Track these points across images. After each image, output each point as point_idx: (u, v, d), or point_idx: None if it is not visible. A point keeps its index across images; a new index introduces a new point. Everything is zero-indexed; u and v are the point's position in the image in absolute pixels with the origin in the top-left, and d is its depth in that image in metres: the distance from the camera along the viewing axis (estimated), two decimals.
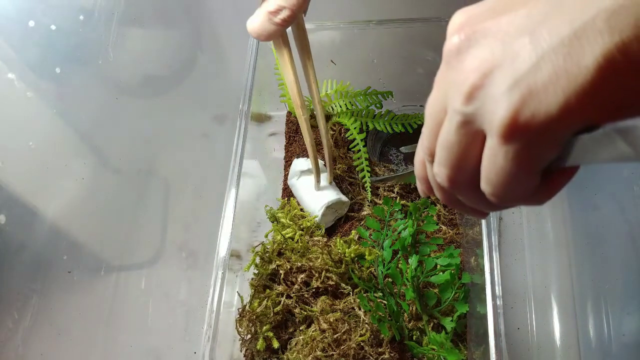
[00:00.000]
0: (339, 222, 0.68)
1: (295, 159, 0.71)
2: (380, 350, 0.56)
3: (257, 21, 0.48)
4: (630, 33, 0.19)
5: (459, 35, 0.25)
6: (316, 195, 0.66)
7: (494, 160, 0.25)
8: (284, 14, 0.47)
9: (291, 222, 0.64)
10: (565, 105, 0.21)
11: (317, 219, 0.65)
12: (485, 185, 0.26)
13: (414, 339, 0.57)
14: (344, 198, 0.66)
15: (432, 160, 0.29)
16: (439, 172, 0.28)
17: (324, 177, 0.68)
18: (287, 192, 0.72)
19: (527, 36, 0.22)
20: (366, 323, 0.56)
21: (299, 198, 0.68)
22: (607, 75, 0.20)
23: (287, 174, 0.73)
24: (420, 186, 0.34)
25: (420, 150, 0.31)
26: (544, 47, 0.21)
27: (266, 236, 0.65)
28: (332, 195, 0.65)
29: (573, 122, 0.21)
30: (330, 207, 0.66)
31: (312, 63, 0.55)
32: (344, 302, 0.59)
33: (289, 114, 0.78)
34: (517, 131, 0.22)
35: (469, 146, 0.26)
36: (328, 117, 0.75)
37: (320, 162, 0.69)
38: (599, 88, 0.20)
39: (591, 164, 0.23)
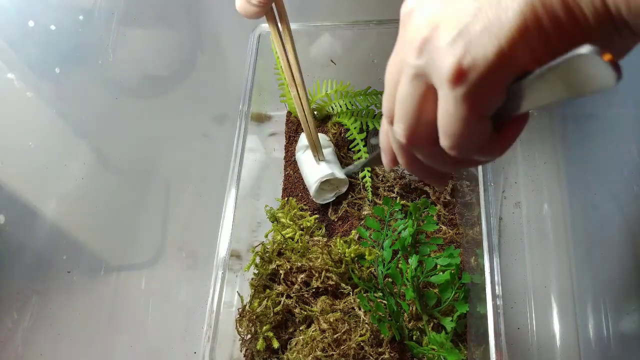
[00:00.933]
0: (339, 222, 0.68)
1: (303, 133, 0.72)
2: (380, 350, 0.56)
3: (238, 2, 0.51)
4: None
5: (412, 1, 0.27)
6: (313, 171, 0.67)
7: (444, 106, 0.27)
8: None
9: (291, 222, 0.65)
10: (499, 50, 0.23)
11: (312, 194, 0.66)
12: (442, 138, 0.28)
13: (414, 339, 0.57)
14: (339, 175, 0.66)
15: (392, 122, 0.31)
16: (397, 129, 0.30)
17: (329, 152, 0.69)
18: (287, 192, 0.72)
19: None
20: (366, 323, 0.56)
21: (302, 172, 0.70)
22: (530, 22, 0.22)
23: (288, 173, 0.74)
24: (385, 159, 0.35)
25: (384, 118, 0.33)
26: (480, 0, 0.24)
27: (266, 236, 0.65)
28: (325, 170, 0.66)
29: (509, 65, 0.24)
30: (326, 183, 0.67)
31: (290, 39, 0.57)
32: (344, 302, 0.59)
33: (289, 114, 0.78)
34: (461, 76, 0.24)
35: (423, 98, 0.28)
36: (328, 117, 0.75)
37: (325, 137, 0.70)
38: (525, 33, 0.23)
39: (538, 108, 0.26)
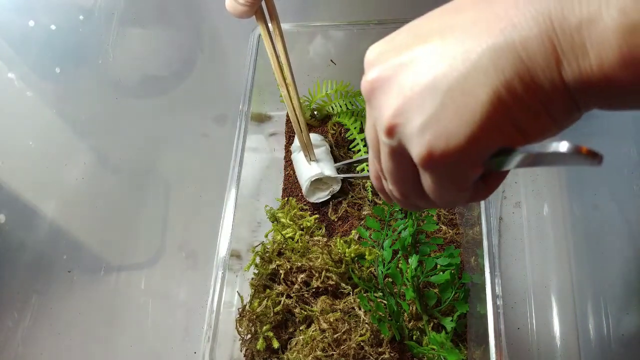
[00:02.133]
0: (339, 222, 0.68)
1: None
2: (380, 350, 0.56)
3: (227, 1, 0.51)
4: (512, 71, 0.22)
5: (371, 75, 0.27)
6: (305, 170, 0.67)
7: (425, 181, 0.28)
8: None
9: (291, 222, 0.65)
10: (470, 135, 0.24)
11: (304, 192, 0.67)
12: (430, 196, 0.30)
13: (414, 339, 0.57)
14: (330, 173, 0.66)
15: (385, 177, 0.32)
16: (392, 190, 0.32)
17: (322, 151, 0.69)
18: (287, 192, 0.72)
19: (431, 73, 0.24)
20: (366, 323, 0.56)
21: (296, 172, 0.70)
22: (498, 107, 0.23)
23: (288, 173, 0.74)
24: (383, 196, 0.37)
25: (372, 168, 0.34)
26: (444, 88, 0.24)
27: (266, 236, 0.65)
28: (315, 170, 0.66)
29: (482, 148, 0.24)
30: (319, 182, 0.67)
31: (281, 39, 0.57)
32: (344, 302, 0.59)
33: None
34: (434, 163, 0.25)
35: (405, 167, 0.29)
36: (328, 118, 0.75)
37: (318, 137, 0.70)
38: (493, 118, 0.23)
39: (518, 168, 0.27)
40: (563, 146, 0.21)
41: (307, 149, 0.65)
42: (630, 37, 0.20)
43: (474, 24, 0.24)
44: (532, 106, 0.23)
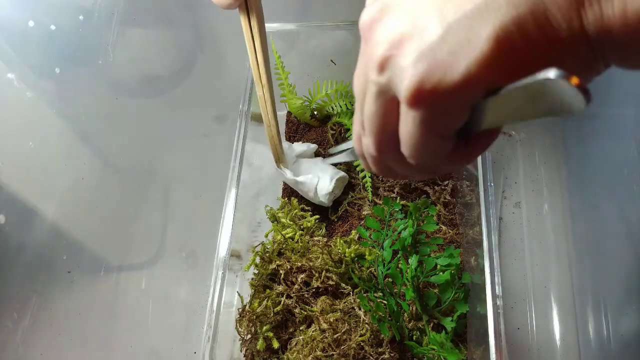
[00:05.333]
0: (339, 222, 0.68)
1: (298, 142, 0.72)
2: (380, 350, 0.56)
3: None
4: (526, 7, 0.21)
5: (372, 9, 0.26)
6: (324, 172, 0.67)
7: (405, 124, 0.26)
8: None
9: (291, 222, 0.64)
10: (467, 72, 0.22)
11: (323, 197, 0.66)
12: (403, 149, 0.28)
13: (414, 339, 0.57)
14: (303, 179, 0.66)
15: (364, 129, 0.31)
16: (367, 141, 0.30)
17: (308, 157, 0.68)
18: (287, 192, 0.72)
19: (434, 10, 0.23)
20: (366, 323, 0.56)
21: (302, 179, 0.69)
22: (503, 45, 0.21)
23: None
24: (362, 161, 0.35)
25: (356, 125, 0.32)
26: (449, 20, 0.23)
27: (266, 236, 0.65)
28: (333, 170, 0.66)
29: (475, 88, 0.23)
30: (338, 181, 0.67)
31: (260, 36, 0.54)
32: (344, 302, 0.59)
33: (289, 114, 0.78)
34: (422, 98, 0.24)
35: (387, 113, 0.27)
36: (328, 118, 0.75)
37: (302, 146, 0.69)
38: (497, 56, 0.22)
39: (503, 124, 0.24)
40: (553, 72, 0.19)
41: (278, 154, 0.63)
42: None
43: None
44: (543, 50, 0.21)
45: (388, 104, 0.27)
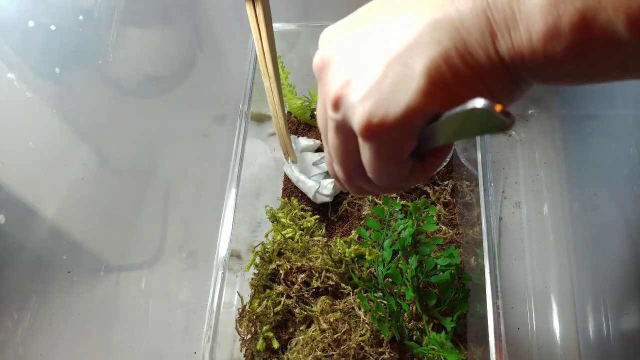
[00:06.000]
0: (339, 222, 0.68)
1: (299, 138, 0.72)
2: (380, 350, 0.55)
3: None
4: (450, 42, 0.23)
5: (321, 54, 0.29)
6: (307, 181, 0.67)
7: (364, 153, 0.29)
8: None
9: (291, 222, 0.64)
10: (407, 105, 0.25)
11: (328, 194, 0.66)
12: (369, 174, 0.31)
13: (414, 339, 0.57)
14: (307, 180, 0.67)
15: (332, 158, 0.34)
16: (337, 170, 0.34)
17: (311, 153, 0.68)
18: (287, 192, 0.72)
19: (374, 48, 0.26)
20: (366, 323, 0.56)
21: (303, 176, 0.69)
22: (435, 77, 0.24)
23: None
24: (337, 182, 0.38)
25: (326, 153, 0.35)
26: (387, 58, 0.25)
27: (266, 236, 0.65)
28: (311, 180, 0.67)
29: (417, 117, 0.25)
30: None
31: (266, 24, 0.53)
32: (344, 302, 0.58)
33: (289, 113, 0.78)
34: (372, 131, 0.26)
35: (348, 144, 0.30)
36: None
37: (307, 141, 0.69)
38: (431, 88, 0.24)
39: (450, 142, 0.27)
40: (479, 102, 0.22)
41: (287, 148, 0.64)
42: (553, 10, 0.21)
43: (419, 1, 0.25)
44: (468, 78, 0.24)
45: (348, 135, 0.29)
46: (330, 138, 0.31)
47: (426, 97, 0.24)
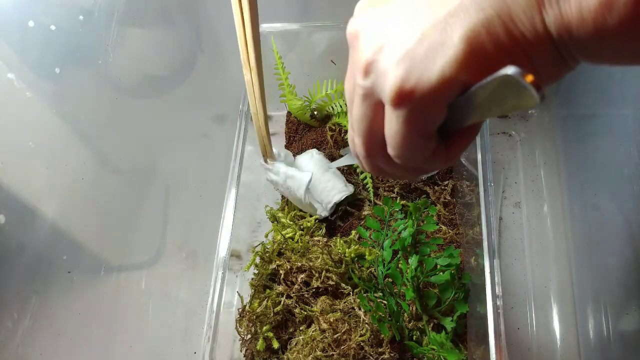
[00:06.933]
0: (339, 222, 0.68)
1: (308, 151, 0.70)
2: (380, 350, 0.55)
3: None
4: (492, 10, 0.22)
5: (356, 20, 0.28)
6: (332, 186, 0.65)
7: (389, 125, 0.28)
8: None
9: (291, 222, 0.64)
10: (442, 72, 0.24)
11: (327, 210, 0.65)
12: (389, 149, 0.30)
13: (414, 339, 0.57)
14: (349, 188, 0.65)
15: (354, 130, 0.32)
16: (357, 142, 0.32)
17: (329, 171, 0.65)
18: None
19: (412, 16, 0.25)
20: (366, 323, 0.56)
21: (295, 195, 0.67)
22: (474, 46, 0.23)
23: None
24: (357, 161, 0.37)
25: (349, 127, 0.34)
26: (425, 25, 0.24)
27: (266, 236, 0.65)
28: (344, 188, 0.65)
29: (451, 86, 0.24)
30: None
31: (251, 11, 0.47)
32: (344, 302, 0.58)
33: (289, 114, 0.78)
34: (403, 97, 0.25)
35: (373, 116, 0.29)
36: (329, 118, 0.75)
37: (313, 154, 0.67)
38: (469, 57, 0.23)
39: (478, 121, 0.26)
40: (510, 69, 0.21)
41: (266, 148, 0.59)
42: None
43: None
44: (511, 49, 0.23)
45: (374, 106, 0.28)
46: (355, 108, 0.30)
47: (463, 66, 0.23)
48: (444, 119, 0.27)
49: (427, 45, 0.24)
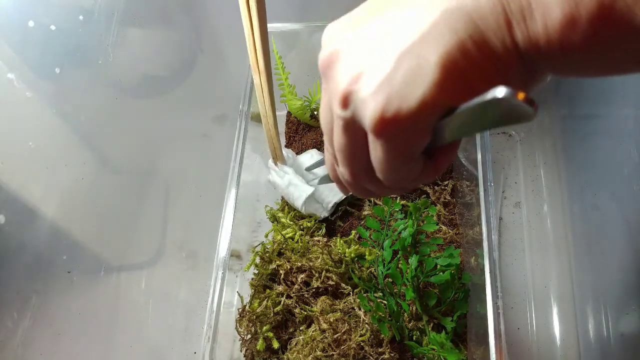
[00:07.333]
0: (339, 222, 0.68)
1: (307, 151, 0.70)
2: (380, 350, 0.55)
3: None
4: (465, 32, 0.23)
5: (329, 50, 0.28)
6: (329, 189, 0.65)
7: (374, 152, 0.28)
8: None
9: (291, 222, 0.64)
10: (422, 98, 0.24)
11: (326, 211, 0.65)
12: (378, 174, 0.29)
13: (414, 339, 0.57)
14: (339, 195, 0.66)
15: (337, 160, 0.32)
16: (343, 172, 0.32)
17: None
18: None
19: (386, 42, 0.25)
20: (366, 323, 0.56)
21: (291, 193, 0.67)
22: (451, 69, 0.23)
23: None
24: (338, 186, 0.37)
25: (328, 155, 0.34)
26: (400, 50, 0.24)
27: (266, 236, 0.65)
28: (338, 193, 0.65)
29: (432, 111, 0.24)
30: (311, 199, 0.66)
31: (258, 13, 0.48)
32: (344, 302, 0.58)
33: (289, 114, 0.78)
34: (385, 126, 0.25)
35: (356, 144, 0.29)
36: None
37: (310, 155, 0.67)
38: (447, 80, 0.23)
39: (471, 136, 0.26)
40: (500, 91, 0.21)
41: (276, 150, 0.60)
42: None
43: None
44: (485, 68, 0.23)
45: (356, 135, 0.28)
46: (337, 138, 0.29)
47: (442, 90, 0.23)
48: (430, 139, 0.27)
49: (404, 71, 0.24)
